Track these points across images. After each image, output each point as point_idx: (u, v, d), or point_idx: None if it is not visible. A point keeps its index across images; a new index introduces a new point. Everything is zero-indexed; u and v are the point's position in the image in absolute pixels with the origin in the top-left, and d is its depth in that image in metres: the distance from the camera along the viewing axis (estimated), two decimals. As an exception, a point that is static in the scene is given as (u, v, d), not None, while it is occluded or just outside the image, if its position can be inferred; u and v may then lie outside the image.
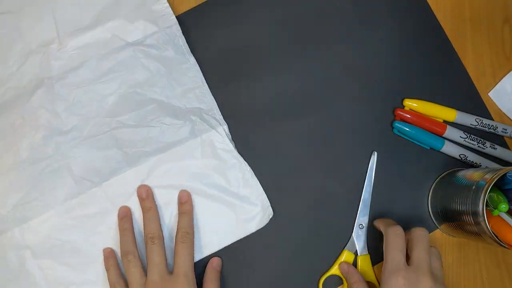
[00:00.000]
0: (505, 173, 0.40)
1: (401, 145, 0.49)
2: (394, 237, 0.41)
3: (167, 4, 0.48)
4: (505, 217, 0.42)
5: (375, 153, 0.47)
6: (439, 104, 0.49)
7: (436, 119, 0.49)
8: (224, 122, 0.47)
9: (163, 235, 0.43)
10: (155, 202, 0.44)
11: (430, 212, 0.48)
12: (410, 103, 0.49)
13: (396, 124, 0.48)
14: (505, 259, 0.48)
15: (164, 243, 0.42)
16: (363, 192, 0.47)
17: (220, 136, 0.45)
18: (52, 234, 0.44)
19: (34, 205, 0.44)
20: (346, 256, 0.46)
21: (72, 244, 0.44)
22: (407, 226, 0.48)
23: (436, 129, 0.48)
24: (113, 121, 0.45)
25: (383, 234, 0.43)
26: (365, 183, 0.47)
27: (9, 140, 0.45)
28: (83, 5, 0.47)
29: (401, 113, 0.48)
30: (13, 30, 0.47)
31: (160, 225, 0.43)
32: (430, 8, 0.51)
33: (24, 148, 0.45)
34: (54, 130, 0.45)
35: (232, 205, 0.45)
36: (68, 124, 0.45)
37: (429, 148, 0.49)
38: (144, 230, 0.43)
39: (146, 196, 0.44)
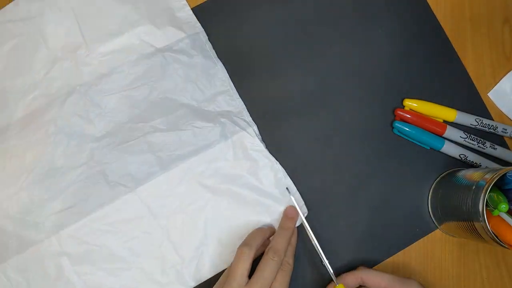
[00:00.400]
0: (505, 173, 0.40)
1: (401, 145, 0.49)
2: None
3: (191, 12, 0.48)
4: (505, 217, 0.42)
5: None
6: (439, 104, 0.49)
7: (436, 119, 0.49)
8: (254, 123, 0.47)
9: (291, 263, 0.41)
10: (295, 225, 0.44)
11: (430, 212, 0.48)
12: (410, 103, 0.49)
13: (396, 124, 0.48)
14: (505, 259, 0.48)
15: (280, 264, 0.40)
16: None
17: (250, 137, 0.46)
18: (89, 240, 0.44)
19: (70, 212, 0.44)
20: None
21: (109, 249, 0.44)
22: (407, 226, 0.48)
23: (436, 129, 0.48)
24: (146, 126, 0.45)
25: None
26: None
27: (42, 148, 0.45)
28: (107, 11, 0.47)
29: (401, 113, 0.48)
30: (36, 36, 0.47)
31: (286, 248, 0.41)
32: (430, 8, 0.51)
33: (59, 156, 0.45)
34: (88, 137, 0.45)
35: (266, 206, 0.45)
36: (101, 130, 0.45)
37: (429, 148, 0.49)
38: (271, 241, 0.41)
39: (292, 217, 0.44)
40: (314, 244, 0.43)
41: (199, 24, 0.48)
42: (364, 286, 0.43)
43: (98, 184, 0.44)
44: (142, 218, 0.44)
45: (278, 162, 0.46)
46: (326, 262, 0.42)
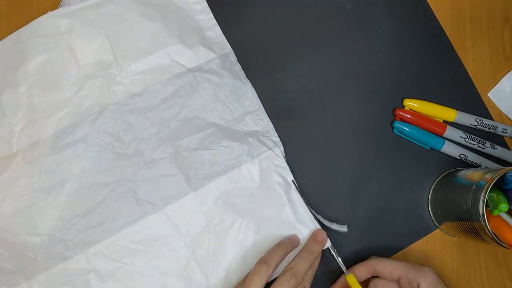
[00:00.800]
0: (505, 173, 0.40)
1: (401, 145, 0.49)
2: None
3: (221, 32, 0.48)
4: (505, 217, 0.42)
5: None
6: (439, 104, 0.49)
7: (436, 119, 0.49)
8: (281, 143, 0.47)
9: (307, 287, 0.41)
10: (321, 250, 0.43)
11: (430, 212, 0.48)
12: (410, 103, 0.49)
13: (396, 124, 0.48)
14: (505, 259, 0.48)
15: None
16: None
17: (277, 157, 0.46)
18: (116, 257, 0.44)
19: (99, 230, 0.44)
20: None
21: (136, 267, 0.44)
22: (407, 226, 0.48)
23: (436, 129, 0.48)
24: (175, 145, 0.46)
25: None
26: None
27: (73, 166, 0.45)
28: (137, 28, 0.47)
29: (401, 113, 0.48)
30: (67, 53, 0.46)
31: (306, 272, 0.40)
32: (430, 8, 0.51)
33: (89, 174, 0.45)
34: (118, 155, 0.45)
35: (292, 227, 0.45)
36: (132, 148, 0.45)
37: (429, 148, 0.49)
38: (292, 261, 0.41)
39: (320, 240, 0.43)
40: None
41: (229, 45, 0.48)
42: (376, 277, 0.43)
43: (127, 202, 0.44)
44: (169, 237, 0.44)
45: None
46: (334, 252, 0.43)
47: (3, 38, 0.48)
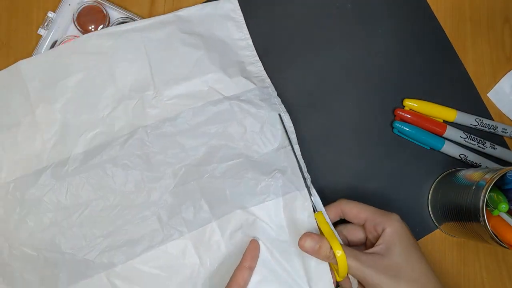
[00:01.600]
0: (505, 173, 0.40)
1: (401, 145, 0.49)
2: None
3: (262, 68, 0.48)
4: (505, 217, 0.42)
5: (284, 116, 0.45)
6: (439, 104, 0.49)
7: (436, 119, 0.49)
8: (312, 184, 0.45)
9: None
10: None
11: (430, 212, 0.48)
12: (410, 103, 0.49)
13: (396, 124, 0.48)
14: (505, 259, 0.48)
15: None
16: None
17: (303, 199, 0.44)
18: (137, 280, 0.43)
19: (122, 252, 0.43)
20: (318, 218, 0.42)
21: None
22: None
23: (436, 129, 0.48)
24: (202, 171, 0.45)
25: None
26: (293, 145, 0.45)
27: (99, 186, 0.45)
28: (180, 54, 0.47)
29: (401, 113, 0.48)
30: (106, 73, 0.46)
31: None
32: (430, 8, 0.51)
33: (115, 195, 0.45)
34: (146, 178, 0.45)
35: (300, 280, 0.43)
36: (160, 171, 0.45)
37: (429, 148, 0.49)
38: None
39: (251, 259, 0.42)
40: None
41: (269, 80, 0.48)
42: (343, 222, 0.42)
43: (151, 226, 0.44)
44: (191, 264, 0.44)
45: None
46: (309, 181, 0.42)
47: (2, 37, 0.49)
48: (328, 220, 0.41)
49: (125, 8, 0.49)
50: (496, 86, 0.50)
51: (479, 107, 0.50)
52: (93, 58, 0.46)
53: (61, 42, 0.47)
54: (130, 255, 0.43)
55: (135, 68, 0.46)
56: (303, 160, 0.45)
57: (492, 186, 0.39)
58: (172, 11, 0.48)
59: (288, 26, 0.50)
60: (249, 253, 0.42)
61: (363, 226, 0.42)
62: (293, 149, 0.45)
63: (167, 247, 0.44)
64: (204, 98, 0.46)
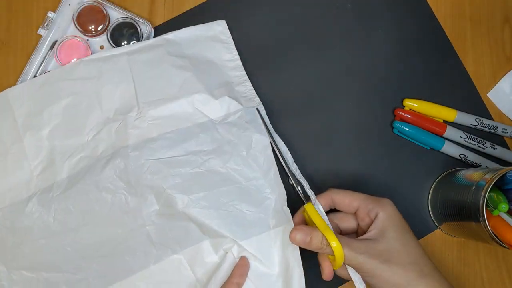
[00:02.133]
0: (505, 173, 0.40)
1: (401, 145, 0.49)
2: None
3: (251, 87, 0.47)
4: (505, 217, 0.42)
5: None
6: (439, 104, 0.49)
7: (436, 119, 0.49)
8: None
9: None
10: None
11: (430, 212, 0.48)
12: (410, 103, 0.49)
13: (396, 124, 0.48)
14: (505, 259, 0.48)
15: None
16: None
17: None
18: None
19: (119, 270, 0.43)
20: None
21: None
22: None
23: (436, 129, 0.48)
24: (185, 199, 0.43)
25: None
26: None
27: (85, 210, 0.44)
28: (167, 75, 0.46)
29: (401, 113, 0.48)
30: (93, 97, 0.46)
31: None
32: (430, 8, 0.51)
33: (103, 217, 0.44)
34: (130, 201, 0.44)
35: None
36: (142, 196, 0.44)
37: (429, 148, 0.49)
38: None
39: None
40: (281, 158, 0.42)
41: (258, 98, 0.47)
42: (334, 211, 0.42)
43: (143, 245, 0.44)
44: (186, 281, 0.43)
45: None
46: (298, 173, 0.42)
47: (2, 37, 0.49)
48: (321, 211, 0.41)
49: (125, 8, 0.49)
50: (496, 86, 0.50)
51: (479, 107, 0.50)
52: (79, 84, 0.46)
53: (61, 42, 0.47)
54: (127, 273, 0.43)
55: (120, 90, 0.46)
56: (299, 171, 0.45)
57: (492, 186, 0.39)
58: (172, 16, 0.49)
59: (288, 26, 0.50)
60: (238, 270, 0.41)
61: (354, 214, 0.41)
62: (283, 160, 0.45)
63: (162, 264, 0.43)
64: (189, 119, 0.45)
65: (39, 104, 0.46)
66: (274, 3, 0.50)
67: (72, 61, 0.47)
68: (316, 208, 0.41)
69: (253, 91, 0.47)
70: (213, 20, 0.49)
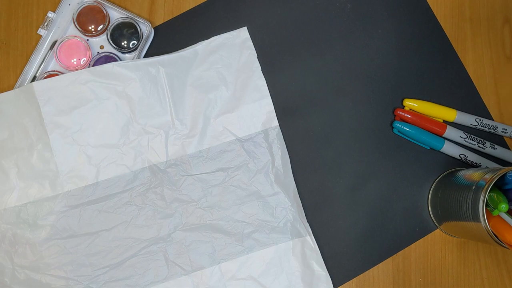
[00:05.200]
0: (505, 173, 0.40)
1: (401, 145, 0.49)
2: None
3: (273, 108, 0.48)
4: (505, 217, 0.42)
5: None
6: (439, 104, 0.49)
7: (436, 119, 0.49)
8: (312, 233, 0.46)
9: None
10: None
11: (430, 212, 0.48)
12: (410, 103, 0.49)
13: (396, 124, 0.48)
14: (505, 259, 0.48)
15: None
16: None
17: (311, 244, 0.46)
18: None
19: (126, 283, 0.44)
20: None
21: None
22: (407, 226, 0.48)
23: (436, 129, 0.48)
24: (214, 213, 0.46)
25: None
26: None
27: (112, 217, 0.45)
28: (197, 93, 0.47)
29: (401, 113, 0.48)
30: (124, 104, 0.46)
31: None
32: (430, 8, 0.51)
33: (127, 227, 0.45)
34: (158, 213, 0.45)
35: None
36: (172, 209, 0.46)
37: (429, 148, 0.49)
38: None
39: None
40: None
41: (276, 120, 0.48)
42: None
43: (157, 261, 0.45)
44: None
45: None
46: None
47: (2, 37, 0.49)
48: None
49: (125, 8, 0.49)
50: None
51: (479, 107, 0.50)
52: (112, 88, 0.46)
53: (61, 42, 0.47)
54: (133, 287, 0.44)
55: (154, 102, 0.46)
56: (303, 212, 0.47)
57: (492, 186, 0.39)
58: (172, 16, 0.49)
59: (287, 26, 0.50)
60: None
61: None
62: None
63: (170, 283, 0.44)
64: (219, 138, 0.47)
65: (67, 103, 0.46)
66: (274, 3, 0.50)
67: (72, 61, 0.47)
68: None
69: (274, 113, 0.48)
70: (213, 20, 0.49)
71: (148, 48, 0.49)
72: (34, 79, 0.47)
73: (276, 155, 0.47)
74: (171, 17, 0.50)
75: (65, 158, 0.45)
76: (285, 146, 0.47)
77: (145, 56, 0.48)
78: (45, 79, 0.46)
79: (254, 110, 0.47)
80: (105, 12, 0.48)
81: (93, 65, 0.47)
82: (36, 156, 0.45)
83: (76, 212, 0.45)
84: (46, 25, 0.48)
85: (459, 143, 0.49)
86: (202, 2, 0.50)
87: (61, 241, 0.45)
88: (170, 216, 0.46)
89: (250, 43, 0.48)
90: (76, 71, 0.46)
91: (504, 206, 0.40)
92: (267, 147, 0.47)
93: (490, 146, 0.48)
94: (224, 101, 0.47)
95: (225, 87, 0.47)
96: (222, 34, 0.48)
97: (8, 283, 0.44)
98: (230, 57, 0.48)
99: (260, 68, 0.48)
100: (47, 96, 0.45)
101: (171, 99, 0.47)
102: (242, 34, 0.48)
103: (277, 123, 0.48)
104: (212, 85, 0.47)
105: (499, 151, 0.49)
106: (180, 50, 0.47)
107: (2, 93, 0.46)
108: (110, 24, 0.48)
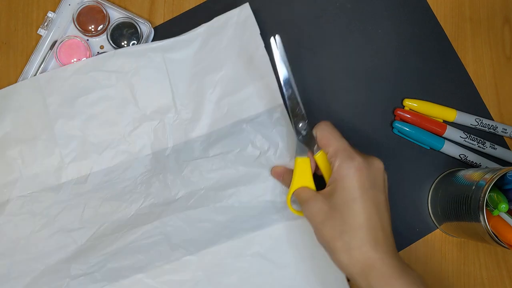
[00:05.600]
0: (505, 173, 0.40)
1: (401, 145, 0.49)
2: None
3: (277, 86, 0.46)
4: (505, 217, 0.42)
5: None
6: (439, 104, 0.49)
7: (436, 119, 0.49)
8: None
9: None
10: None
11: (430, 212, 0.48)
12: (410, 103, 0.49)
13: (396, 124, 0.48)
14: (505, 259, 0.48)
15: None
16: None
17: None
18: None
19: (130, 266, 0.44)
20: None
21: None
22: (407, 226, 0.48)
23: (436, 129, 0.48)
24: (217, 196, 0.45)
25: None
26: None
27: (116, 205, 0.45)
28: (200, 76, 0.46)
29: (401, 113, 0.48)
30: (127, 92, 0.46)
31: None
32: (430, 8, 0.51)
33: (131, 213, 0.45)
34: (162, 199, 0.45)
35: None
36: (175, 194, 0.45)
37: (429, 148, 0.49)
38: None
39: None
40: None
41: (282, 100, 0.46)
42: None
43: (160, 244, 0.44)
44: (198, 282, 0.44)
45: None
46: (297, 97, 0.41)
47: (2, 37, 0.49)
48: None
49: (125, 8, 0.49)
50: None
51: (479, 107, 0.50)
52: (114, 76, 0.46)
53: (61, 42, 0.47)
54: (137, 270, 0.44)
55: (157, 89, 0.46)
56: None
57: (492, 186, 0.39)
58: (172, 16, 0.49)
59: (287, 25, 0.50)
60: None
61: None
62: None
63: (175, 264, 0.44)
64: (222, 120, 0.46)
65: (71, 93, 0.46)
66: (274, 3, 0.50)
67: (72, 61, 0.47)
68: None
69: (279, 92, 0.46)
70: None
71: (148, 48, 0.48)
72: (34, 79, 0.47)
73: (281, 136, 0.46)
74: (171, 17, 0.49)
75: (69, 147, 0.45)
76: (290, 125, 0.45)
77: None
78: (49, 71, 0.46)
79: (258, 89, 0.46)
80: (105, 12, 0.48)
81: None
82: (40, 146, 0.45)
83: (81, 200, 0.45)
84: (46, 25, 0.48)
85: (459, 143, 0.49)
86: (202, 2, 0.50)
87: (65, 231, 0.44)
88: (174, 201, 0.45)
89: (253, 19, 0.47)
90: (79, 61, 0.46)
91: (504, 206, 0.40)
92: (271, 127, 0.46)
93: (490, 146, 0.48)
94: (227, 82, 0.46)
95: (228, 68, 0.46)
96: (223, 14, 0.47)
97: (7, 274, 0.44)
98: (233, 37, 0.47)
99: (263, 45, 0.46)
100: (51, 87, 0.46)
101: (173, 84, 0.46)
102: (244, 11, 0.47)
103: (281, 101, 0.46)
104: (215, 67, 0.46)
105: (499, 151, 0.49)
106: (182, 34, 0.47)
107: (7, 87, 0.46)
108: (110, 24, 0.48)
